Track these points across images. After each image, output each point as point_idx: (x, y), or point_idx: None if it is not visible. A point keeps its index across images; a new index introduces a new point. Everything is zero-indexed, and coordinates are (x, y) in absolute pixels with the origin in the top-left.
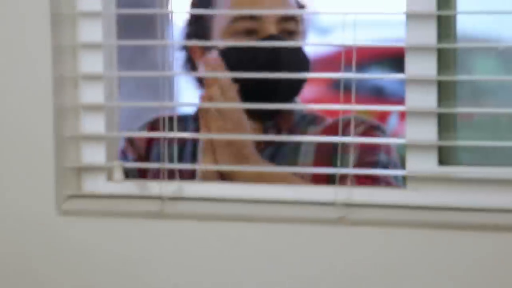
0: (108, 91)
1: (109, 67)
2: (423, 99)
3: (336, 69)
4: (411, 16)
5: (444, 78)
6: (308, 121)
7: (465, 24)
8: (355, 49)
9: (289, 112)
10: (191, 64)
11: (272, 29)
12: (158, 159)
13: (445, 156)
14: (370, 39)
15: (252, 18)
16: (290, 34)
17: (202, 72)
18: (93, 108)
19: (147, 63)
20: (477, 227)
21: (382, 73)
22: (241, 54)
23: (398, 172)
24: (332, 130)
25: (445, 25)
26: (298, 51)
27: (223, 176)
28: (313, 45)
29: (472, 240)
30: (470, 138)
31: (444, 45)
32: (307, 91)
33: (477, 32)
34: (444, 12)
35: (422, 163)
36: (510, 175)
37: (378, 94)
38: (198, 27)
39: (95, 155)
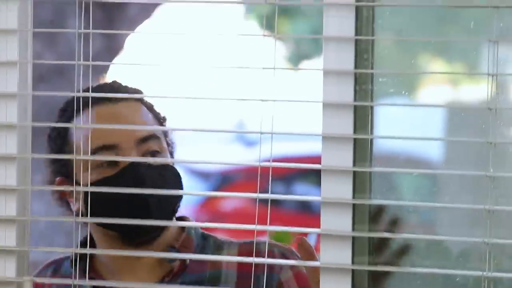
0: (21, 204)
1: (23, 179)
2: (338, 222)
3: (263, 180)
4: (327, 138)
5: (359, 201)
6: (217, 244)
7: (382, 143)
8: (271, 168)
9: (186, 234)
10: (64, 202)
11: (133, 155)
12: None
13: (358, 280)
14: (296, 152)
15: (110, 148)
16: (153, 153)
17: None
18: (4, 221)
19: None
20: None
21: (307, 185)
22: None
23: None
24: (247, 253)
25: (362, 147)
26: (166, 172)
27: None
28: (222, 163)
29: None
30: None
31: (360, 169)
32: (232, 203)
33: (395, 150)
34: (360, 136)
35: (336, 287)
36: None
37: (306, 208)
38: (61, 164)
39: (5, 269)
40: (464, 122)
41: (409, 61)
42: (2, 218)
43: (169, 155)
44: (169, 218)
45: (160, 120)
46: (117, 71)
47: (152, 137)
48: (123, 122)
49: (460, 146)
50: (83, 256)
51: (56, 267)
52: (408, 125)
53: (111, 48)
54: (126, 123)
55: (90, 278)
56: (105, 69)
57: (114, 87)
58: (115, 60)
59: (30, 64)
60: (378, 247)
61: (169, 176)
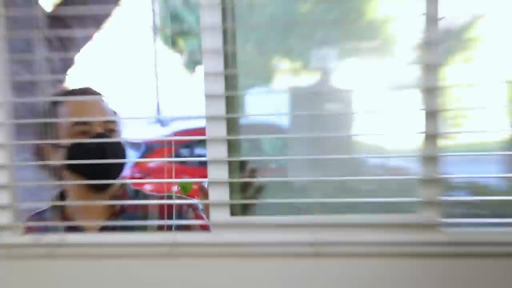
0: (11, 175)
1: (10, 159)
2: (220, 173)
3: (175, 147)
4: (208, 118)
5: (231, 159)
6: (144, 196)
7: (251, 118)
8: (173, 141)
9: (123, 189)
10: (41, 156)
11: (99, 129)
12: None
13: (235, 210)
14: (194, 126)
15: (85, 123)
16: (111, 131)
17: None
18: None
19: None
20: (258, 255)
21: (203, 148)
22: (81, 149)
23: (208, 222)
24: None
25: (233, 123)
26: (118, 144)
27: None
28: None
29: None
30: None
31: (230, 137)
32: (153, 164)
33: (259, 122)
34: (231, 115)
35: (220, 215)
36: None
37: (202, 164)
38: (48, 129)
39: (4, 217)
40: (302, 101)
41: (264, 62)
42: (1, 184)
43: (120, 134)
44: (118, 173)
45: (114, 112)
46: (71, 80)
47: (112, 121)
48: (93, 108)
49: (300, 118)
50: (58, 206)
51: (40, 215)
52: (269, 104)
53: (66, 64)
54: (95, 109)
55: (65, 219)
56: (63, 78)
57: (87, 90)
58: (69, 72)
59: (7, 83)
60: (244, 188)
61: (119, 147)
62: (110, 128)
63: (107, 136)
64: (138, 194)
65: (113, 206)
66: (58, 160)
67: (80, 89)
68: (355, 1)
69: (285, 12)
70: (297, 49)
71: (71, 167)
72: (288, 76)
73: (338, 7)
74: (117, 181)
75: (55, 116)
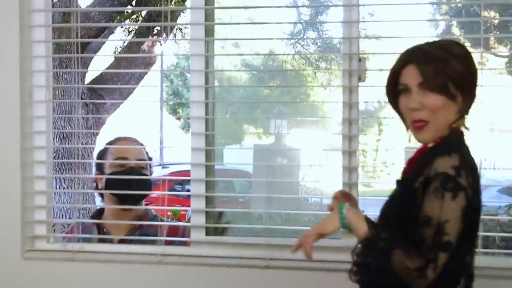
0: (48, 198)
1: (49, 186)
2: (199, 203)
3: (171, 184)
4: (193, 165)
5: (208, 194)
6: (158, 220)
7: (224, 165)
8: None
9: (145, 211)
10: (96, 183)
11: (133, 165)
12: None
13: (209, 231)
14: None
15: (123, 159)
16: (143, 168)
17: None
18: (41, 207)
19: None
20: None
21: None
22: (118, 180)
23: (188, 239)
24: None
25: (210, 168)
26: (146, 179)
27: None
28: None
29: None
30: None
31: (207, 178)
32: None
33: (230, 168)
34: (209, 163)
35: (198, 234)
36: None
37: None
38: (100, 164)
39: (41, 229)
40: (262, 156)
41: (236, 127)
42: (41, 205)
43: (149, 172)
44: (142, 198)
45: (148, 155)
46: (104, 135)
47: (143, 160)
48: (131, 150)
49: (260, 167)
50: (96, 218)
51: (79, 226)
52: (239, 156)
53: (100, 122)
54: (133, 150)
55: (101, 230)
56: (96, 133)
57: (127, 137)
58: (102, 129)
59: (51, 133)
60: (218, 216)
61: (146, 180)
62: (141, 166)
63: (137, 170)
64: (156, 218)
65: (133, 223)
66: (102, 185)
67: (125, 137)
68: (301, 89)
69: (252, 94)
70: (259, 119)
71: (110, 190)
72: (253, 137)
73: (289, 92)
74: (117, 207)
75: (106, 154)
